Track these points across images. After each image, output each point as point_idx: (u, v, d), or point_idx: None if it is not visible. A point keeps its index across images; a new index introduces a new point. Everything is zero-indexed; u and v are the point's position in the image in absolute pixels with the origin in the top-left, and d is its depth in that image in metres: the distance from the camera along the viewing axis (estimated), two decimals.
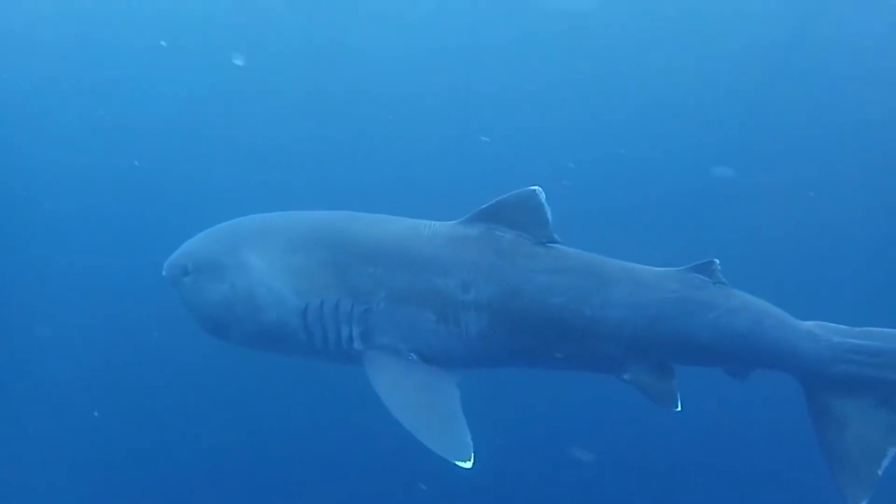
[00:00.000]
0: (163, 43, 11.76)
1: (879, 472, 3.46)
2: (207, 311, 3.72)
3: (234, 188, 9.75)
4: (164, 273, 3.85)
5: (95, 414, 7.30)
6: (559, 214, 3.54)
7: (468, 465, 2.99)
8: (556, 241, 3.59)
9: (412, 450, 3.06)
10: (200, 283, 3.71)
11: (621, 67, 11.99)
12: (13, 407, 7.42)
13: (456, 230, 3.64)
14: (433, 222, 3.72)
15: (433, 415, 3.26)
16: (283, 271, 3.60)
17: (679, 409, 3.43)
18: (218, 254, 3.74)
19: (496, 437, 3.51)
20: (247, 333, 3.69)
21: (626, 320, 3.46)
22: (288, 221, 3.91)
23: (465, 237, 3.59)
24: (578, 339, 3.48)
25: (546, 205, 3.53)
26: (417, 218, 3.80)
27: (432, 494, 5.92)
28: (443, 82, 11.90)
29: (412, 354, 3.51)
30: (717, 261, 3.59)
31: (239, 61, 11.25)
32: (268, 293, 3.58)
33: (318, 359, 3.74)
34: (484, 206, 3.63)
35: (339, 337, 3.54)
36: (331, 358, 3.69)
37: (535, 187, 3.54)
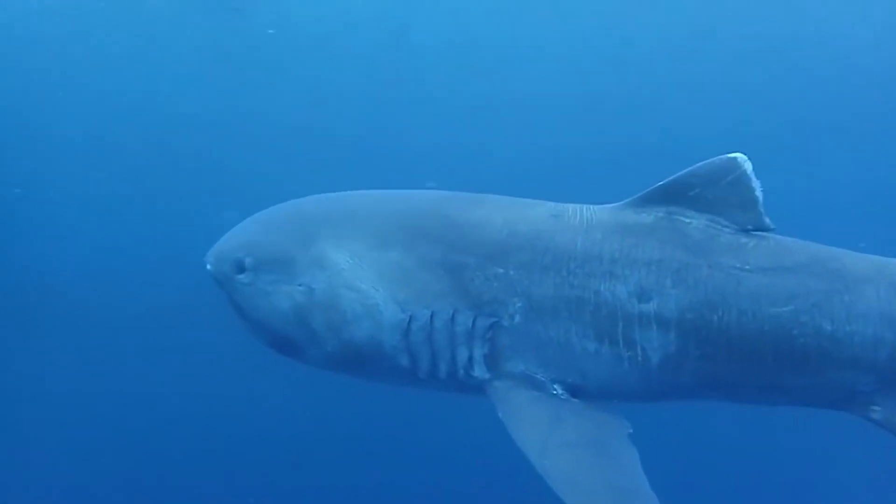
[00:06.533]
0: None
1: None
2: (272, 321, 2.78)
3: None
4: (209, 268, 2.90)
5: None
6: None
7: None
8: (768, 228, 2.61)
9: None
10: (263, 285, 2.78)
11: None
12: (20, 408, 7.13)
13: (622, 216, 2.67)
14: (586, 206, 2.74)
15: (614, 489, 2.30)
16: (375, 271, 2.67)
17: None
18: (286, 245, 2.80)
19: None
20: (324, 353, 2.75)
21: (883, 338, 2.53)
22: (375, 204, 2.95)
23: (638, 226, 2.62)
24: (812, 365, 2.53)
25: (754, 177, 2.55)
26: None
27: None
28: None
29: (556, 386, 2.57)
30: None
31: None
32: (357, 300, 2.65)
33: (422, 388, 2.80)
34: (662, 183, 2.65)
35: (455, 361, 2.63)
36: (440, 387, 2.75)
37: (737, 154, 2.56)
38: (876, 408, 2.59)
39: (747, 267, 2.53)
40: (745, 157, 2.54)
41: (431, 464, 6.46)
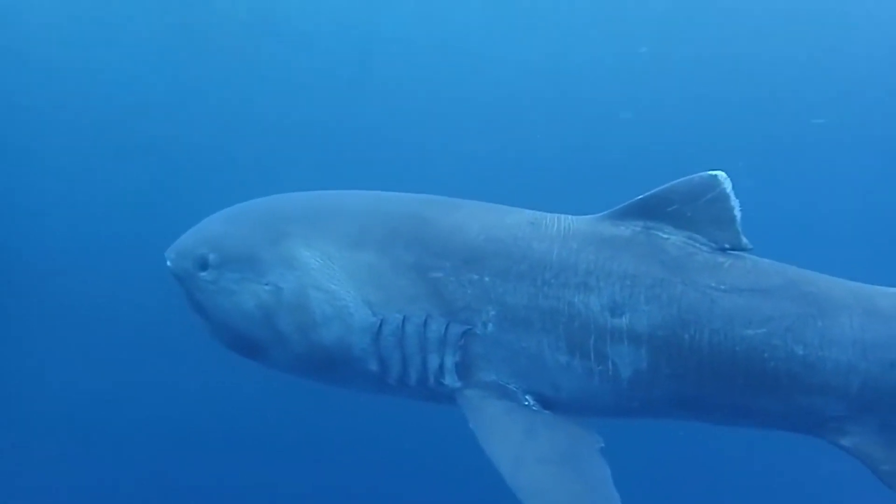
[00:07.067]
0: None
1: None
2: (236, 322, 2.68)
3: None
4: (168, 264, 2.79)
5: None
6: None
7: None
8: (745, 248, 2.61)
9: None
10: (227, 283, 2.67)
11: None
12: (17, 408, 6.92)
13: (600, 228, 2.64)
14: (564, 216, 2.71)
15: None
16: (347, 272, 2.59)
17: None
18: (254, 242, 2.70)
19: None
20: (291, 356, 2.66)
21: (856, 366, 2.50)
22: (349, 204, 2.87)
23: (615, 239, 2.60)
24: (782, 389, 2.51)
25: (733, 196, 2.55)
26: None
27: None
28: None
29: (528, 397, 2.52)
30: None
31: None
32: (326, 302, 2.57)
33: (391, 394, 2.73)
34: (641, 197, 2.64)
35: (426, 368, 2.56)
36: (410, 395, 2.69)
37: (717, 172, 2.56)
38: (846, 435, 2.57)
39: (722, 287, 2.51)
40: (724, 176, 2.54)
41: (427, 465, 6.42)
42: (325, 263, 2.59)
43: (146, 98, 10.13)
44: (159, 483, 6.39)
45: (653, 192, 2.61)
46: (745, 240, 2.58)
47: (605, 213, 2.68)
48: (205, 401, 6.84)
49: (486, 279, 2.53)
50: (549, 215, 2.69)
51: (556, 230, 2.62)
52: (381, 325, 2.53)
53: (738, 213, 2.56)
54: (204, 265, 2.70)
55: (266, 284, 2.60)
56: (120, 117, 9.77)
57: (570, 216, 2.70)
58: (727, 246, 2.59)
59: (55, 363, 7.24)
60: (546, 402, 2.53)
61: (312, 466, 6.54)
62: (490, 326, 2.51)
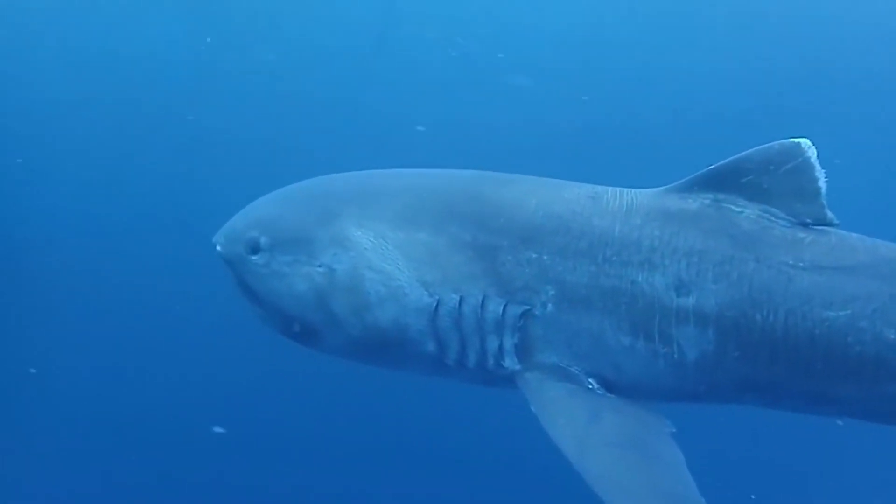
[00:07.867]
0: None
1: None
2: (289, 305, 2.62)
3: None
4: (218, 248, 2.75)
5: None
6: None
7: None
8: (830, 223, 2.43)
9: None
10: (279, 266, 2.62)
11: None
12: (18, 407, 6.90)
13: (665, 202, 2.50)
14: (626, 190, 2.57)
15: (660, 491, 2.14)
16: (401, 252, 2.52)
17: None
18: (305, 223, 2.64)
19: None
20: (345, 339, 2.59)
21: None
22: (401, 182, 2.79)
23: (681, 213, 2.45)
24: (867, 375, 2.32)
25: (818, 166, 2.37)
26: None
27: None
28: None
29: (591, 381, 2.41)
30: None
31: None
32: (380, 282, 2.49)
33: (449, 377, 2.64)
34: (711, 168, 2.48)
35: (484, 350, 2.47)
36: (469, 377, 2.60)
37: (802, 139, 2.39)
38: None
39: (801, 264, 2.34)
40: (809, 143, 2.37)
41: (432, 465, 6.32)
42: (378, 243, 2.53)
43: (166, 86, 10.11)
44: (161, 483, 6.36)
45: (724, 161, 2.46)
46: (830, 214, 2.41)
47: (671, 185, 2.54)
48: (207, 400, 6.77)
49: (545, 257, 2.42)
50: (609, 189, 2.57)
51: (618, 205, 2.49)
52: (437, 306, 2.45)
53: (823, 184, 2.38)
54: (255, 248, 2.65)
55: (319, 266, 2.54)
56: (138, 106, 9.75)
57: (632, 190, 2.56)
58: (809, 220, 2.42)
59: (55, 362, 7.18)
60: (608, 385, 2.42)
61: (314, 466, 6.44)
62: (549, 307, 2.41)
